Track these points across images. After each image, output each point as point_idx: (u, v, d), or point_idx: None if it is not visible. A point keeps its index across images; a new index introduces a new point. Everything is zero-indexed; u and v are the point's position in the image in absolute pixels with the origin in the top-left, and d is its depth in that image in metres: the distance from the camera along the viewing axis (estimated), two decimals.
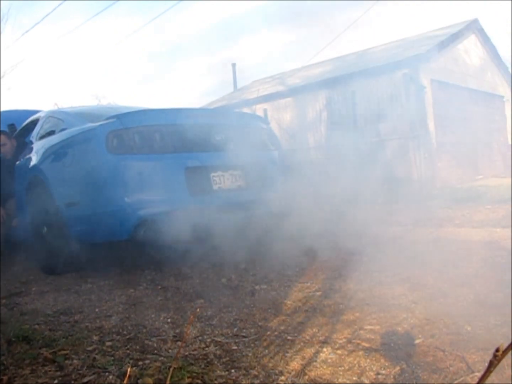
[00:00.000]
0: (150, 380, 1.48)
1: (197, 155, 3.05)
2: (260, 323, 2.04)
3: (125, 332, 2.01)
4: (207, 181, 3.02)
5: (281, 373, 1.56)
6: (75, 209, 2.97)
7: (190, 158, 3.00)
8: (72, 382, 1.54)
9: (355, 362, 1.61)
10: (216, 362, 1.66)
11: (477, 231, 3.72)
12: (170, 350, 1.79)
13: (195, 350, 1.78)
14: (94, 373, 1.58)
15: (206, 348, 1.80)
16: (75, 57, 37.31)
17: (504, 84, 11.56)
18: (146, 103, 22.63)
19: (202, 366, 1.63)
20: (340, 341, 1.79)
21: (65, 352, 1.77)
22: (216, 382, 1.50)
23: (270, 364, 1.62)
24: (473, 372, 1.47)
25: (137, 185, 2.80)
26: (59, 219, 3.09)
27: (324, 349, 1.73)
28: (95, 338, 1.94)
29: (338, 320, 2.01)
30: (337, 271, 2.83)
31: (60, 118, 3.57)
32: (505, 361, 1.45)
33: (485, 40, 10.74)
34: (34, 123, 4.08)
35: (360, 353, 1.68)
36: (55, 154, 3.25)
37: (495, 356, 0.72)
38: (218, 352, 1.76)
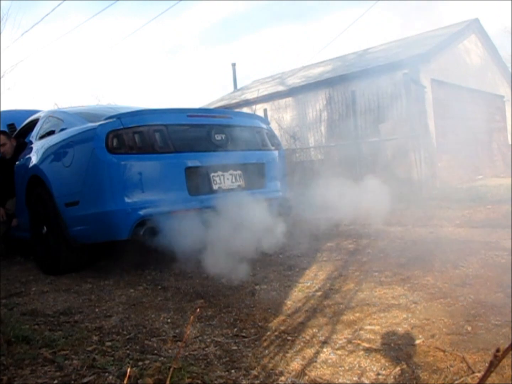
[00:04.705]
0: (150, 380, 1.47)
1: (197, 155, 3.04)
2: (260, 323, 2.04)
3: (125, 332, 2.01)
4: (207, 181, 3.02)
5: (281, 373, 1.55)
6: (75, 209, 2.96)
7: (190, 158, 3.00)
8: (72, 382, 1.54)
9: (355, 362, 1.61)
10: (216, 362, 1.66)
11: (477, 231, 3.71)
12: (170, 350, 1.79)
13: (195, 350, 1.78)
14: (94, 374, 1.58)
15: (206, 348, 1.80)
16: (75, 56, 37.26)
17: (504, 84, 11.55)
18: (146, 103, 22.68)
19: (202, 366, 1.63)
20: (340, 342, 1.79)
21: (65, 352, 1.77)
22: (216, 382, 1.50)
23: (270, 365, 1.62)
24: (473, 372, 1.47)
25: (137, 185, 2.79)
26: (58, 218, 3.09)
27: (324, 350, 1.73)
28: (95, 338, 1.94)
29: (338, 320, 2.01)
30: (337, 271, 2.83)
31: (60, 118, 3.57)
32: (506, 361, 1.45)
33: (485, 40, 10.72)
34: (33, 123, 4.08)
35: (361, 353, 1.67)
36: (55, 154, 3.25)
37: (495, 356, 0.71)
38: (218, 352, 1.76)
